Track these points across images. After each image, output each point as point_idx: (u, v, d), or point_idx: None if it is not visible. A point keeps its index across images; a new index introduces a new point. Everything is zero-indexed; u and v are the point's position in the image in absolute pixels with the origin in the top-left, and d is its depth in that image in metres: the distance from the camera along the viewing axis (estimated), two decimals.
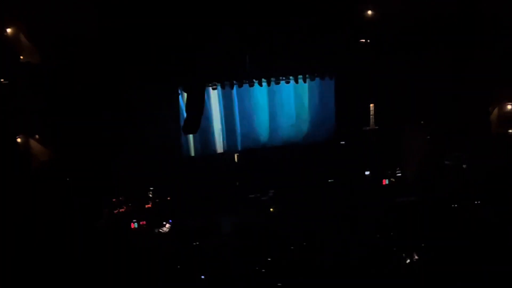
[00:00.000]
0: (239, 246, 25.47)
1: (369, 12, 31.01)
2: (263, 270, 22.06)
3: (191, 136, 31.23)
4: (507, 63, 30.92)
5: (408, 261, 22.50)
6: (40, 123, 28.27)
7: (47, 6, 25.20)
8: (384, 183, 33.10)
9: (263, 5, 26.78)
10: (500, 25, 28.13)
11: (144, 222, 27.69)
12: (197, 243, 25.61)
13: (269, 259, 23.20)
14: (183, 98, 29.88)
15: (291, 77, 33.15)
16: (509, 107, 34.58)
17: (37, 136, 28.83)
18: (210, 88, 31.32)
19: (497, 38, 29.22)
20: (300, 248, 24.64)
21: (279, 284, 21.13)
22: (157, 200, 29.52)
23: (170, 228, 26.89)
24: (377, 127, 34.55)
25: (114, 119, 28.79)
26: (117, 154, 28.12)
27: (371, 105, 34.61)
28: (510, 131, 34.56)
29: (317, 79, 33.96)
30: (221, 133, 32.81)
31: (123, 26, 24.18)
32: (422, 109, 30.88)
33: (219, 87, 31.84)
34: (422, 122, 32.55)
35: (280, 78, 32.87)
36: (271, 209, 29.21)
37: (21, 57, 27.12)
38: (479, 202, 29.29)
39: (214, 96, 32.24)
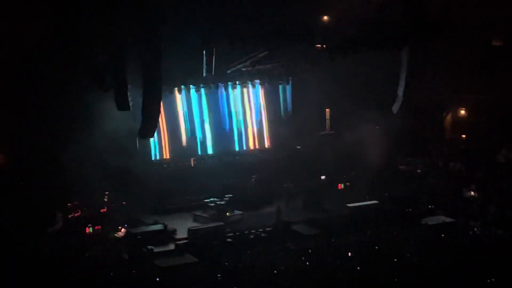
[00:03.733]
0: (195, 251, 25.44)
1: (325, 18, 31.23)
2: (219, 276, 22.04)
3: (148, 141, 31.06)
4: (459, 69, 31.43)
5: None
6: None
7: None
8: (339, 188, 33.32)
9: (220, 12, 26.86)
10: (451, 30, 28.60)
11: (99, 227, 27.48)
12: (152, 247, 25.49)
13: (226, 263, 23.19)
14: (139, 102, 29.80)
15: (248, 82, 33.25)
16: (462, 112, 35.11)
17: None
18: (168, 92, 31.24)
19: (449, 43, 29.68)
20: (257, 252, 24.72)
21: None
22: (112, 205, 29.32)
23: (126, 233, 26.72)
24: (333, 132, 34.79)
25: (70, 123, 28.54)
26: (72, 159, 27.86)
27: (327, 110, 34.85)
28: (463, 136, 35.08)
29: (273, 83, 34.14)
30: (179, 138, 32.74)
31: (79, 29, 23.99)
32: (378, 114, 31.15)
33: (175, 91, 31.78)
34: (377, 127, 32.85)
35: (237, 82, 32.93)
36: (228, 214, 29.19)
37: None
38: (432, 206, 29.66)
39: (172, 101, 32.20)
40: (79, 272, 22.52)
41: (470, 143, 34.51)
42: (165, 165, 32.38)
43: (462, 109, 34.98)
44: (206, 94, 32.77)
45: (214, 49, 28.29)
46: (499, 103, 33.06)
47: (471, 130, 34.60)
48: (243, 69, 31.59)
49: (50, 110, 28.13)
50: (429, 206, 29.65)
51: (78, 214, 28.22)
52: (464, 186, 30.43)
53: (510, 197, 28.38)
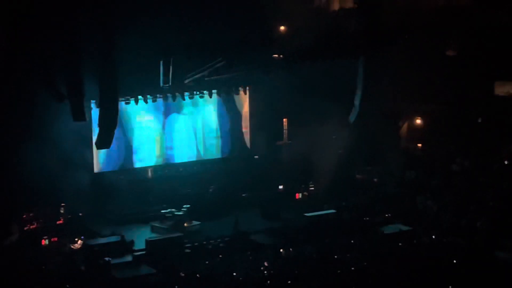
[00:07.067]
0: (153, 262, 25.27)
1: (282, 27, 31.40)
2: (177, 287, 21.95)
3: (103, 151, 30.77)
4: (415, 78, 31.78)
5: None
6: None
7: None
8: (297, 197, 33.40)
9: (178, 21, 26.87)
10: (406, 40, 28.96)
11: (56, 239, 27.20)
12: (109, 259, 25.27)
13: (183, 274, 23.10)
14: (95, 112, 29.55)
15: (205, 92, 33.18)
16: (417, 121, 35.48)
17: None
18: (124, 102, 31.04)
19: (404, 52, 30.03)
20: (216, 262, 24.66)
21: None
22: (69, 216, 29.04)
23: (82, 245, 26.49)
24: (290, 142, 34.89)
25: (24, 133, 28.17)
26: (27, 169, 27.53)
27: (284, 119, 34.94)
28: (419, 145, 35.44)
29: (230, 94, 34.15)
30: (135, 149, 32.52)
31: (34, 36, 23.79)
32: (334, 123, 31.34)
33: (132, 102, 31.54)
34: (334, 136, 33.05)
35: (194, 93, 32.85)
36: (185, 224, 29.09)
37: None
38: (389, 215, 29.89)
39: (129, 110, 32.00)
40: (35, 285, 22.26)
41: (425, 152, 34.88)
42: (122, 176, 32.07)
43: (417, 118, 35.35)
44: (163, 104, 32.64)
45: (171, 58, 28.22)
46: (454, 112, 33.50)
47: (427, 139, 34.97)
48: (200, 79, 31.51)
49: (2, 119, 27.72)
50: (386, 215, 29.87)
51: (34, 226, 27.91)
52: (420, 195, 30.72)
53: (465, 205, 28.73)
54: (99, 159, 31.36)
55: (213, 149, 34.38)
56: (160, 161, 33.09)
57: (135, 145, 32.45)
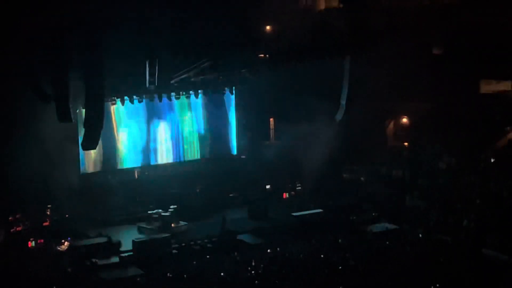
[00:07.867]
0: (140, 263, 25.23)
1: (268, 27, 31.42)
2: None
3: (90, 152, 30.65)
4: (401, 77, 31.83)
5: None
6: None
7: None
8: (284, 197, 33.42)
9: (164, 22, 26.82)
10: (392, 39, 29.02)
11: (42, 241, 27.09)
12: (96, 260, 25.22)
13: (170, 275, 23.06)
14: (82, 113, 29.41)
15: (191, 92, 33.11)
16: (404, 120, 35.57)
17: None
18: (110, 103, 30.92)
19: (390, 51, 30.08)
20: (203, 263, 24.65)
21: None
22: (55, 218, 28.92)
23: (69, 246, 26.40)
24: (277, 141, 34.88)
25: (10, 134, 28.06)
26: (13, 171, 27.41)
27: (271, 119, 34.92)
28: (405, 143, 35.52)
29: (217, 94, 34.07)
30: (121, 149, 32.40)
31: (20, 37, 23.71)
32: (321, 122, 31.35)
33: (118, 102, 31.43)
34: (320, 136, 33.04)
35: (181, 93, 32.77)
36: (172, 225, 29.05)
37: None
38: (376, 214, 29.96)
39: (116, 111, 31.89)
40: (22, 287, 22.18)
41: (412, 150, 34.94)
42: (109, 177, 31.96)
43: (404, 117, 35.42)
44: (149, 104, 32.51)
45: (157, 59, 28.15)
46: (440, 111, 33.57)
47: (413, 138, 35.04)
48: (186, 80, 31.46)
49: None
50: (373, 214, 29.93)
51: (20, 227, 27.78)
52: (406, 193, 30.79)
53: (452, 203, 28.81)
54: (85, 159, 31.14)
55: (202, 150, 34.18)
56: (147, 162, 32.85)
57: (118, 145, 32.21)
